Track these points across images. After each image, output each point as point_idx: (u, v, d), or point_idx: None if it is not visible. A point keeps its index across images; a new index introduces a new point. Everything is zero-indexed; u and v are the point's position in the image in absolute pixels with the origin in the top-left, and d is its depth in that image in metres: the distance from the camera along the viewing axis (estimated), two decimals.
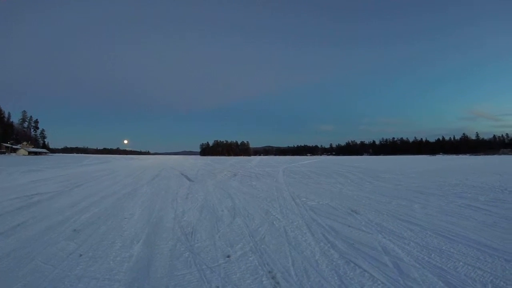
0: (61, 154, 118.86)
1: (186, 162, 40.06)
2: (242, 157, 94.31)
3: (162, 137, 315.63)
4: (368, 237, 4.77)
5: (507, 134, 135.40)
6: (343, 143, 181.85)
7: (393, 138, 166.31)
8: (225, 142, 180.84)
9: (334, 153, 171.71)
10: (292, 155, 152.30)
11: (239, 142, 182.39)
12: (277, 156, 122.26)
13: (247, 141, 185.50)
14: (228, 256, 3.89)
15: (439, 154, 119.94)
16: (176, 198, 8.49)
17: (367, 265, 3.60)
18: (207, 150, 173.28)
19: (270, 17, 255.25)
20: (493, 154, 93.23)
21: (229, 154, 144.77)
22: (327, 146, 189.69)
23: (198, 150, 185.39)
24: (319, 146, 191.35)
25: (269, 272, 3.40)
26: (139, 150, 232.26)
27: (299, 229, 5.22)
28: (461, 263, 3.64)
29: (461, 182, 12.44)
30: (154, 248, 4.22)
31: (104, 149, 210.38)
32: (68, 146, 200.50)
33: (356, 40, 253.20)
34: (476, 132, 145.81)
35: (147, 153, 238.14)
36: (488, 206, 7.18)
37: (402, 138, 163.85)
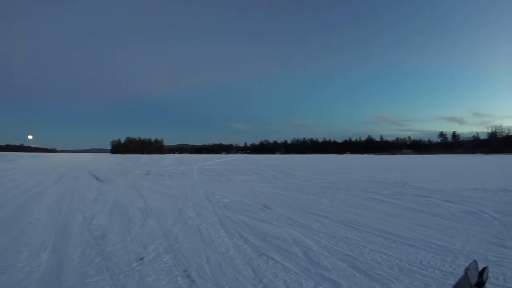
0: None
1: (96, 160, 37.45)
2: (156, 155, 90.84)
3: (70, 133, 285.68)
4: (279, 230, 5.09)
5: (409, 136, 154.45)
6: (257, 142, 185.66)
7: (304, 138, 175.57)
8: (138, 139, 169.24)
9: (248, 151, 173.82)
10: (207, 153, 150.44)
11: (152, 140, 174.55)
12: (192, 154, 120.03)
13: (161, 139, 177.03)
14: (141, 259, 3.78)
15: (347, 153, 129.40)
16: (84, 200, 7.95)
17: (279, 256, 3.84)
18: (118, 148, 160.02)
19: (185, 12, 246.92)
20: (396, 154, 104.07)
21: (142, 152, 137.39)
22: (242, 144, 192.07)
23: (109, 147, 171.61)
24: (234, 144, 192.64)
25: (184, 271, 3.40)
26: (44, 147, 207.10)
27: (212, 227, 5.33)
28: (367, 249, 4.10)
29: (366, 178, 13.83)
30: (63, 255, 3.92)
31: (7, 145, 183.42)
32: None
33: (270, 38, 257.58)
34: (381, 135, 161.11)
35: (54, 150, 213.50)
36: (390, 199, 8.14)
37: (312, 138, 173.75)
